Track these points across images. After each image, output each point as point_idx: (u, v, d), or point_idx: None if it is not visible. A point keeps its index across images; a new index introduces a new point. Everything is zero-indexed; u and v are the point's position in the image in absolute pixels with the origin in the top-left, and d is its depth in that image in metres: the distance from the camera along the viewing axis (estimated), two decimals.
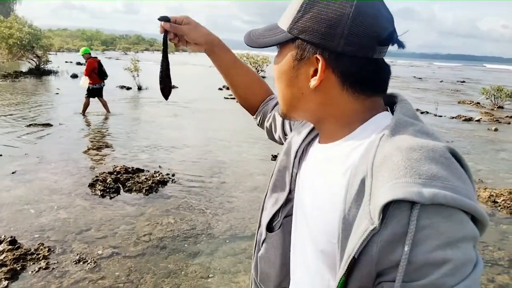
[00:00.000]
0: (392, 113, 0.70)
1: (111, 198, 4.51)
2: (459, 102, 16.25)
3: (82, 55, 9.51)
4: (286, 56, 0.71)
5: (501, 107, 14.24)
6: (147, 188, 4.73)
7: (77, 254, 3.26)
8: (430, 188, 0.51)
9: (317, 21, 0.64)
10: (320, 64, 0.65)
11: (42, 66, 20.58)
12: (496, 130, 10.11)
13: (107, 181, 4.76)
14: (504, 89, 13.86)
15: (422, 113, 12.61)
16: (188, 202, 4.50)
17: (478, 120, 11.41)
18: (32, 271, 3.02)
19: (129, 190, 4.71)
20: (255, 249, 0.98)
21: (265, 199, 0.95)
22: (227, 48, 1.11)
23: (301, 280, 0.81)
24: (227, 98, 13.75)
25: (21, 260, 3.12)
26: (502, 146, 8.42)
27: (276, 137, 1.09)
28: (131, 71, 15.13)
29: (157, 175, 5.15)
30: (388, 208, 0.52)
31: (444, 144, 0.58)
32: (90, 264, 3.14)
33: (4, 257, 3.10)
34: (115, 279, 2.99)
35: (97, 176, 4.91)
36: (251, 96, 1.16)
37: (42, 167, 5.46)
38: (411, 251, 0.50)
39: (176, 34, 1.03)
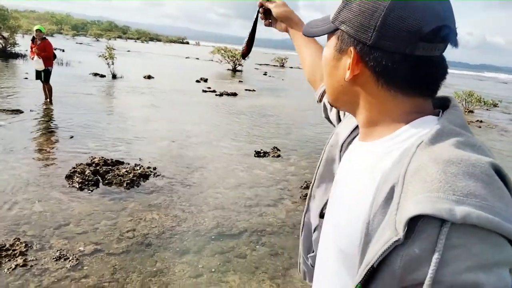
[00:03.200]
0: None
1: (90, 191, 4.30)
2: None
3: (38, 33, 8.70)
4: (330, 46, 0.71)
5: (471, 111, 14.79)
6: (128, 181, 4.55)
7: (57, 251, 3.07)
8: (463, 206, 0.47)
9: (355, 12, 0.63)
10: (352, 57, 0.64)
11: (8, 49, 19.52)
12: None
13: (86, 173, 4.54)
14: (475, 94, 14.38)
15: None
16: (171, 198, 4.36)
17: None
18: (8, 269, 2.82)
19: (109, 183, 4.51)
20: (301, 232, 1.03)
21: (312, 187, 0.97)
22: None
23: (320, 277, 0.82)
24: (206, 91, 13.54)
25: None
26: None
27: (331, 117, 1.07)
28: (106, 59, 14.60)
29: (138, 168, 4.97)
30: (417, 222, 0.49)
31: (489, 160, 0.53)
32: (72, 262, 2.96)
33: None
34: (99, 278, 2.83)
35: (74, 168, 4.67)
36: (318, 77, 1.17)
37: (13, 156, 5.14)
38: (438, 270, 0.46)
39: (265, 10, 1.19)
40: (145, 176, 4.81)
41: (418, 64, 0.62)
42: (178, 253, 3.28)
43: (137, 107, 9.46)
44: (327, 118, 1.11)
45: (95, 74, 14.89)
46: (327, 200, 0.88)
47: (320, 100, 1.14)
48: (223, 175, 5.31)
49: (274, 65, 35.48)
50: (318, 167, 0.95)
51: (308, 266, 1.02)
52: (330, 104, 0.81)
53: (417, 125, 0.64)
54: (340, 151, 0.85)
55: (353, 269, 0.63)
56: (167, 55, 36.42)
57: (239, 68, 24.83)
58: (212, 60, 28.46)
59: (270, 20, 1.22)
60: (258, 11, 1.19)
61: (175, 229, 3.67)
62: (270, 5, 1.17)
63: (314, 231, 0.96)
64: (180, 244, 3.41)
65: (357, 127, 0.81)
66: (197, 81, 16.34)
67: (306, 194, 4.86)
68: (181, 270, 3.06)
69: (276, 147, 6.80)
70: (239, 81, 18.64)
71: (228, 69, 24.30)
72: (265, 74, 24.67)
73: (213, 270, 3.10)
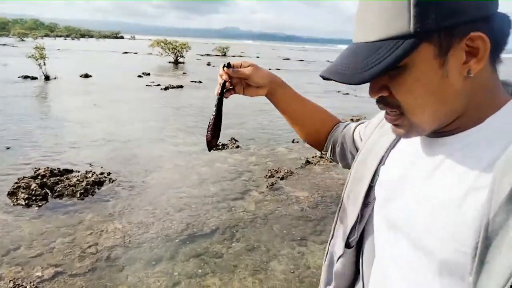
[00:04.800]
0: None
1: (38, 207, 3.88)
2: None
3: None
4: (422, 64, 0.55)
5: None
6: (81, 191, 4.17)
7: (10, 281, 2.71)
8: None
9: None
10: (481, 41, 0.53)
11: None
12: None
13: (32, 187, 4.09)
14: None
15: (344, 94, 13.24)
16: (132, 203, 4.06)
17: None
18: None
19: (60, 195, 4.10)
20: (325, 260, 0.96)
21: (339, 211, 0.92)
22: (289, 87, 1.06)
23: None
24: (149, 85, 12.98)
25: None
26: None
27: (348, 155, 1.01)
28: (36, 59, 13.45)
29: (91, 175, 4.58)
30: None
31: None
32: None
33: None
34: None
35: (17, 183, 4.19)
36: (319, 128, 1.08)
37: None
38: None
39: (240, 78, 0.98)
40: (99, 183, 4.44)
41: (506, 18, 0.57)
42: (149, 263, 3.04)
43: (78, 109, 8.79)
44: (346, 165, 1.04)
45: (26, 77, 13.67)
46: (354, 226, 0.84)
47: (332, 154, 1.07)
48: (184, 172, 5.06)
49: (216, 55, 35.00)
50: (344, 190, 0.89)
51: None
52: (421, 134, 0.64)
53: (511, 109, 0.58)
54: (379, 164, 0.78)
55: (456, 279, 0.58)
56: (103, 51, 34.48)
57: (181, 60, 24.14)
58: (151, 54, 27.40)
59: (233, 90, 1.01)
60: (224, 86, 0.95)
61: (142, 237, 3.40)
62: (245, 72, 0.97)
63: (337, 260, 0.89)
64: (151, 253, 3.17)
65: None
66: (139, 76, 15.62)
67: (273, 184, 4.79)
68: (156, 281, 2.83)
69: (233, 138, 6.63)
70: (183, 73, 18.13)
71: (169, 62, 23.56)
72: (208, 64, 24.24)
73: (190, 275, 2.91)
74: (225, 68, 0.95)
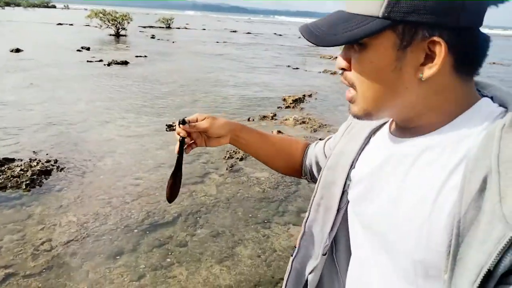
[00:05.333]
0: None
1: None
2: (320, 57, 17.68)
3: None
4: (381, 47, 0.58)
5: None
6: (27, 182, 3.85)
7: None
8: None
9: None
10: (439, 48, 0.55)
11: None
12: None
13: None
14: None
15: (294, 69, 13.32)
16: (85, 192, 3.83)
17: (342, 73, 12.61)
18: None
19: (3, 188, 3.77)
20: (287, 279, 0.94)
21: (306, 221, 0.90)
22: (251, 129, 1.06)
23: None
24: (91, 61, 12.15)
25: None
26: None
27: (322, 167, 1.00)
28: None
29: (36, 163, 4.24)
30: None
31: None
32: None
33: None
34: None
35: None
36: (291, 157, 1.09)
37: None
38: None
39: (200, 132, 0.98)
40: (46, 172, 4.13)
41: (484, 37, 0.59)
42: (111, 256, 2.91)
43: (12, 89, 8.02)
44: (310, 173, 1.08)
45: None
46: (329, 233, 0.85)
47: (311, 175, 1.07)
48: (138, 157, 4.86)
49: (160, 27, 33.46)
50: (313, 198, 0.89)
51: None
52: (359, 117, 0.67)
53: (480, 108, 0.60)
54: (350, 168, 0.79)
55: (432, 278, 0.59)
56: (34, 23, 31.54)
57: (122, 32, 22.81)
58: (89, 26, 25.54)
59: (195, 144, 1.00)
60: (182, 143, 0.95)
61: (100, 229, 3.24)
62: (202, 125, 0.96)
63: (311, 272, 0.89)
64: (111, 246, 3.03)
65: (366, 137, 0.79)
66: (78, 50, 14.55)
67: (232, 165, 4.76)
68: (120, 275, 2.72)
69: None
70: (126, 47, 17.18)
71: (110, 35, 22.17)
72: (153, 37, 23.14)
73: (155, 267, 2.83)
74: (181, 125, 0.94)
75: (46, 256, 2.85)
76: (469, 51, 0.58)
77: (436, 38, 0.54)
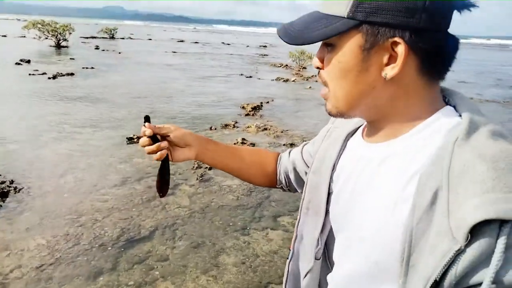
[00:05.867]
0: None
1: None
2: (271, 65, 18.02)
3: None
4: (348, 48, 0.60)
5: (304, 68, 16.51)
6: None
7: None
8: None
9: None
10: (400, 48, 0.56)
11: None
12: (310, 88, 11.71)
13: None
14: (306, 52, 16.05)
15: (247, 77, 13.47)
16: (51, 213, 3.62)
17: (294, 81, 12.97)
18: None
19: None
20: (285, 282, 0.96)
21: (297, 225, 0.92)
22: (216, 141, 1.04)
23: None
24: (33, 74, 11.44)
25: None
26: (322, 101, 9.80)
27: (304, 177, 1.00)
28: None
29: None
30: (475, 226, 0.48)
31: None
32: None
33: None
34: None
35: None
36: (264, 167, 1.08)
37: None
38: (498, 271, 0.46)
39: (164, 136, 0.95)
40: (3, 194, 3.84)
41: (453, 40, 0.60)
42: (90, 278, 2.77)
43: None
44: (286, 181, 1.08)
45: None
46: (319, 237, 0.86)
47: (288, 183, 1.07)
48: (102, 172, 4.67)
49: (103, 37, 32.28)
50: (302, 202, 0.90)
51: None
52: (335, 115, 0.70)
53: (440, 117, 0.61)
54: (332, 171, 0.81)
55: (390, 282, 0.61)
56: None
57: (64, 43, 21.73)
58: (25, 37, 24.05)
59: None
60: (165, 163, 0.97)
61: (74, 250, 3.08)
62: (169, 127, 0.95)
63: (305, 276, 0.89)
64: (89, 266, 2.89)
65: (343, 142, 0.80)
66: (17, 63, 13.64)
67: (202, 175, 4.71)
68: None
69: None
70: (70, 58, 16.36)
71: (51, 46, 21.02)
72: (97, 48, 22.26)
73: (139, 284, 2.75)
74: (146, 123, 0.92)
75: (18, 284, 2.66)
76: (434, 53, 0.58)
77: (397, 39, 0.56)
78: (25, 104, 7.88)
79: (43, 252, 3.02)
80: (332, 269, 0.84)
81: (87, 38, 30.35)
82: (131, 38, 35.04)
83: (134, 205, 3.87)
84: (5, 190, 3.93)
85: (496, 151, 0.51)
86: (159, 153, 0.92)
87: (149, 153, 0.93)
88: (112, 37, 32.95)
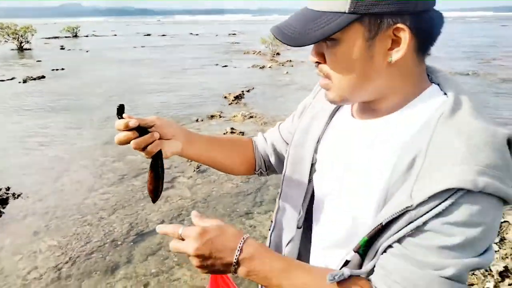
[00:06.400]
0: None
1: None
2: (244, 53, 18.02)
3: None
4: (352, 40, 0.63)
5: (278, 54, 16.59)
6: None
7: None
8: (484, 177, 0.53)
9: None
10: (403, 33, 0.60)
11: None
12: (287, 73, 11.86)
13: None
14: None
15: (223, 67, 13.46)
16: (56, 216, 3.64)
17: (270, 67, 13.07)
18: None
19: None
20: (268, 247, 0.94)
21: (279, 197, 0.95)
22: (197, 133, 0.96)
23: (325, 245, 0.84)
24: (2, 80, 11.06)
25: None
26: (302, 85, 9.94)
27: (283, 154, 1.02)
28: None
29: None
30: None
31: (507, 132, 0.58)
32: None
33: None
34: None
35: None
36: (245, 154, 1.05)
37: None
38: (431, 219, 0.55)
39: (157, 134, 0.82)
40: (2, 201, 3.82)
41: (438, 15, 0.64)
42: (108, 272, 2.86)
43: None
44: (265, 165, 1.07)
45: None
46: (301, 205, 0.89)
47: (267, 165, 1.08)
48: (97, 172, 4.68)
49: (66, 37, 31.23)
50: (284, 176, 0.93)
51: None
52: (336, 102, 0.73)
53: (429, 95, 0.67)
54: (317, 143, 0.85)
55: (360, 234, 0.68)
56: None
57: (26, 46, 20.94)
58: None
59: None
60: (157, 159, 0.82)
61: (87, 247, 3.14)
62: (150, 118, 0.82)
63: (287, 245, 0.92)
64: (105, 262, 2.97)
65: (331, 113, 0.84)
66: None
67: (198, 166, 4.79)
68: (124, 287, 2.70)
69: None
70: (37, 61, 15.83)
71: (12, 49, 20.22)
72: (62, 48, 21.58)
73: (156, 273, 2.85)
74: (123, 114, 0.77)
75: (39, 284, 2.71)
76: (429, 31, 0.63)
77: (399, 25, 0.60)
78: (0, 111, 7.67)
79: (57, 253, 3.07)
80: (311, 238, 0.90)
81: (49, 38, 29.32)
82: (95, 36, 34.07)
83: (137, 201, 3.94)
84: (4, 197, 3.90)
85: (473, 128, 0.57)
86: (152, 145, 0.79)
87: (138, 147, 0.78)
88: (76, 36, 31.93)
